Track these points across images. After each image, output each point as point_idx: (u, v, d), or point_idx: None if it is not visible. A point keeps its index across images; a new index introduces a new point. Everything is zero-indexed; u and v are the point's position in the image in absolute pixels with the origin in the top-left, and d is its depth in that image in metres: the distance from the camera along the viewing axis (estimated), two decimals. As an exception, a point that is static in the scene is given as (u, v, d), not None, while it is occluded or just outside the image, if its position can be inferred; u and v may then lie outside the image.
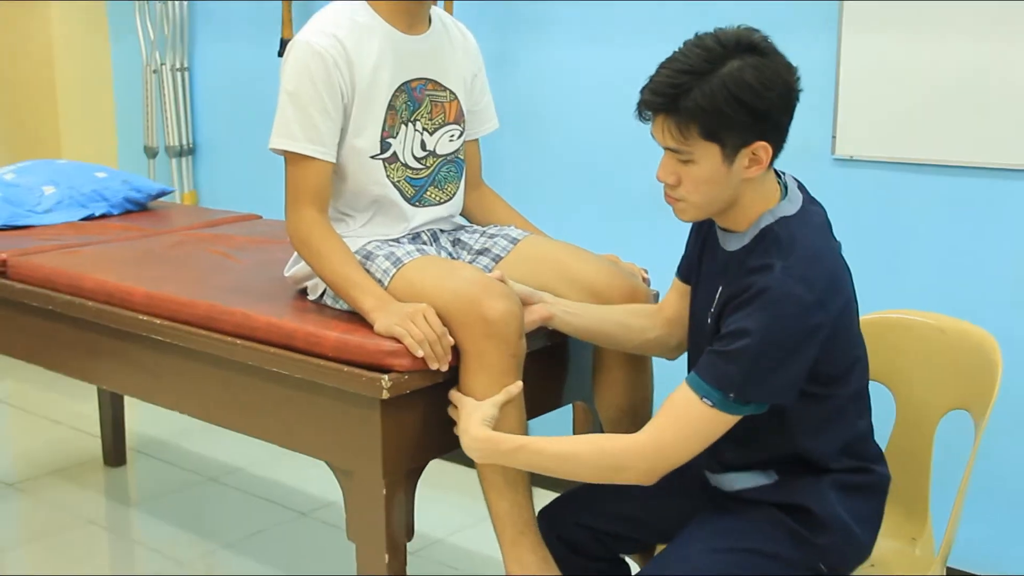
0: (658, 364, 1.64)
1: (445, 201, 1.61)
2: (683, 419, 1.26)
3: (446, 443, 1.45)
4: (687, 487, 1.40)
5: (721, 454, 1.32)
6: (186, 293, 1.63)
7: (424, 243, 1.60)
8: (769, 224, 1.28)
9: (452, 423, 1.43)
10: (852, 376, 1.31)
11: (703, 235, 1.40)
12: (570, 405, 1.73)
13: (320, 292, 1.59)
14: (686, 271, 1.48)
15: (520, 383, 1.39)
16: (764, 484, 1.34)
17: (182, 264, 1.83)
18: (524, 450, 1.33)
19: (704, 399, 1.26)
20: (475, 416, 1.36)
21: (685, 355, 1.50)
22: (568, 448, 1.31)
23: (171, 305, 1.62)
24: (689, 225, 1.41)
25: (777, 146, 1.26)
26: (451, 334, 1.40)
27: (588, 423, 1.73)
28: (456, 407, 1.40)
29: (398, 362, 1.42)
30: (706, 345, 1.30)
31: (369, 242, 1.55)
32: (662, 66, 1.24)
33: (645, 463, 1.25)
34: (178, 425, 2.73)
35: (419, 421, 1.43)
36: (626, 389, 1.59)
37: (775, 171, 1.31)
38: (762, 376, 1.22)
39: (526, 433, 1.41)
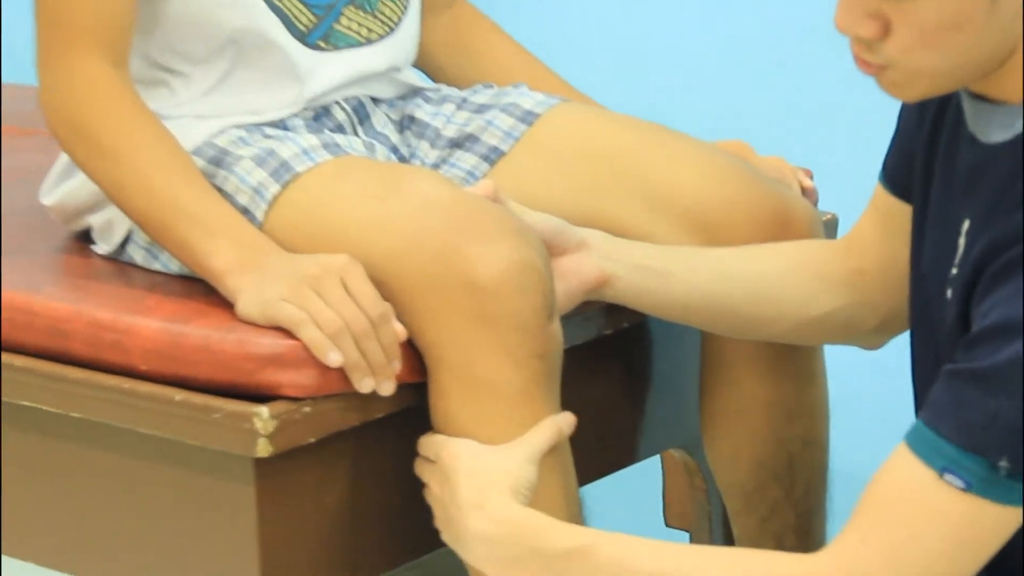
0: (842, 368, 1.52)
1: (380, 38, 1.44)
2: (910, 518, 1.10)
3: (408, 544, 1.32)
4: None
5: None
6: None
7: (339, 128, 1.43)
8: None
9: (420, 504, 1.27)
10: None
11: (933, 114, 1.25)
12: (654, 458, 1.62)
13: (120, 237, 1.40)
14: (901, 171, 1.31)
15: (570, 415, 1.26)
16: None
17: None
18: (587, 557, 1.18)
19: (946, 476, 1.10)
20: (489, 480, 1.23)
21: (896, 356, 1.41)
22: (679, 566, 1.17)
23: None
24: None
25: None
26: (401, 317, 1.23)
27: (692, 497, 1.62)
28: (433, 463, 1.26)
29: (288, 379, 1.22)
30: (945, 345, 1.18)
31: (223, 129, 1.37)
32: None
33: None
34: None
35: (343, 501, 1.28)
36: (773, 424, 1.44)
37: None
38: None
39: (582, 519, 1.30)
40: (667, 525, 1.68)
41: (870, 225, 1.35)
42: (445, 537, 1.25)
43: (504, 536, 1.23)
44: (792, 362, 1.45)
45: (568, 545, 1.20)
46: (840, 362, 1.52)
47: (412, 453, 1.28)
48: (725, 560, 1.19)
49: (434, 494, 1.25)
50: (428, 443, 1.27)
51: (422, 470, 1.27)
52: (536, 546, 1.22)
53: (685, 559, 1.19)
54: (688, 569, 1.17)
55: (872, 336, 1.39)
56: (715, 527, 1.60)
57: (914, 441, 1.12)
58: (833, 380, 1.50)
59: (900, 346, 1.37)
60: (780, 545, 1.42)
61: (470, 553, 1.24)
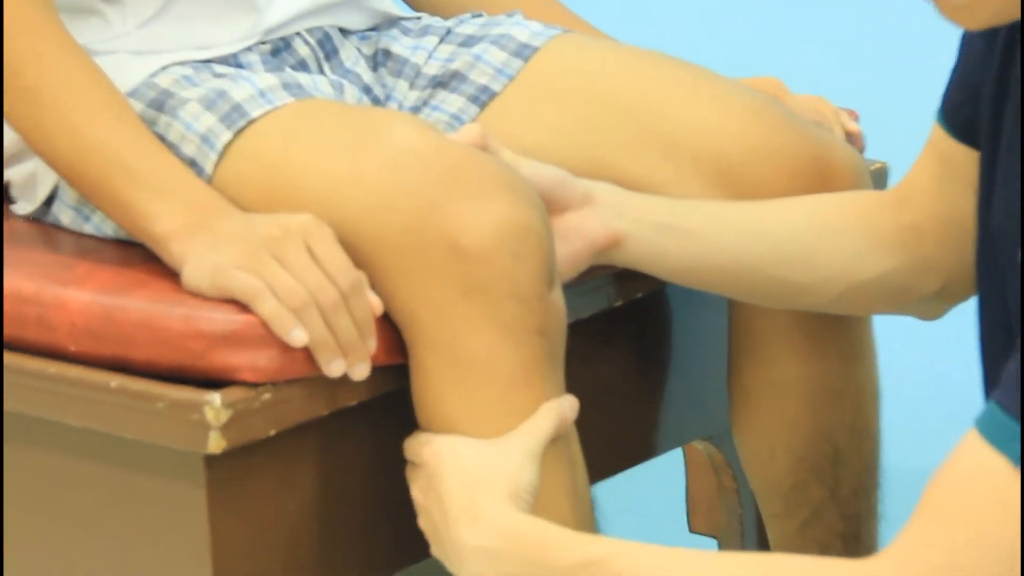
0: (894, 343, 1.51)
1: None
2: (981, 515, 1.04)
3: (387, 555, 1.30)
4: None
5: None
6: None
7: (301, 65, 1.39)
8: None
9: (400, 508, 1.24)
10: None
11: (1003, 43, 1.21)
12: (675, 453, 1.61)
13: (44, 195, 1.35)
14: (964, 110, 1.27)
15: (573, 398, 1.23)
16: None
17: None
18: (601, 572, 1.13)
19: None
20: (482, 484, 1.19)
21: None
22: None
23: None
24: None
25: None
26: (376, 287, 1.19)
27: (720, 498, 1.60)
28: (419, 462, 1.23)
29: (243, 361, 1.18)
30: (1018, 314, 1.14)
31: (165, 67, 1.32)
32: None
33: None
34: None
35: (310, 505, 1.24)
36: (814, 411, 1.40)
37: None
38: None
39: (594, 524, 1.27)
40: (691, 531, 1.66)
41: (927, 173, 1.31)
42: (435, 551, 1.21)
43: (503, 550, 1.19)
44: (836, 337, 1.41)
45: (578, 559, 1.15)
46: (892, 336, 1.51)
47: (390, 447, 1.26)
48: (764, 569, 1.13)
49: (420, 503, 1.22)
50: (409, 443, 1.24)
51: (408, 474, 1.24)
52: (541, 561, 1.17)
53: (716, 569, 1.14)
54: (721, 567, 1.13)
55: (930, 304, 1.36)
56: (747, 533, 1.58)
57: (985, 426, 1.08)
58: (884, 358, 1.46)
59: (964, 316, 1.37)
60: (824, 555, 1.38)
61: (464, 570, 1.20)
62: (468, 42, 1.43)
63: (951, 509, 1.08)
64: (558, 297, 1.21)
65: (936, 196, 1.32)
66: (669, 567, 1.13)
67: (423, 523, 1.22)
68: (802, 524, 1.41)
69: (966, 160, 1.26)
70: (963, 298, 1.33)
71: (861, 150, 1.49)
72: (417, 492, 1.22)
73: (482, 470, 1.21)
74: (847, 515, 1.39)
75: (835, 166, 1.38)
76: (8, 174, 1.41)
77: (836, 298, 1.34)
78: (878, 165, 1.51)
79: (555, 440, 1.21)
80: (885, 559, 1.09)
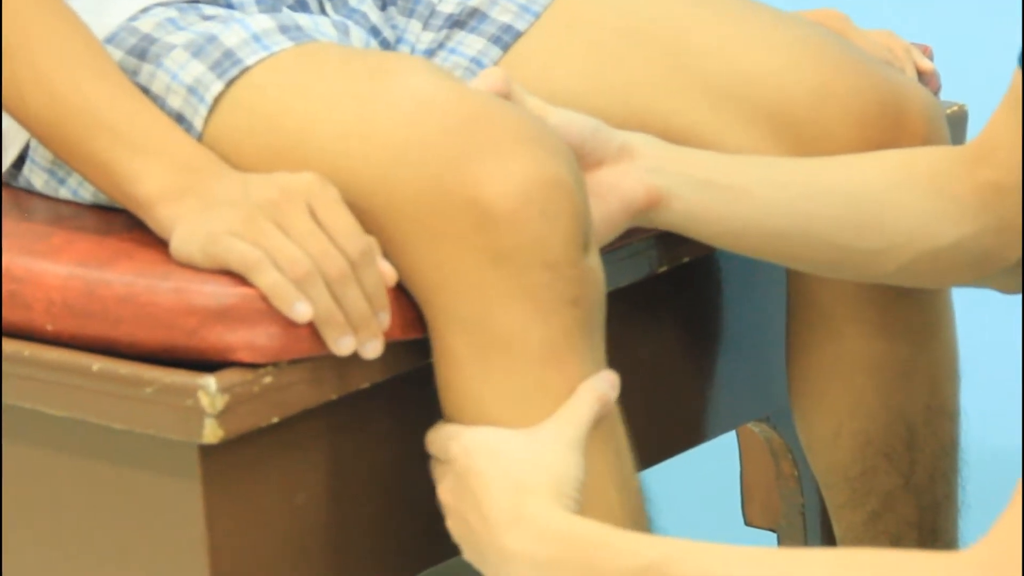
0: (974, 317, 1.52)
1: None
2: None
3: (406, 555, 1.26)
4: None
5: None
6: None
7: (301, 5, 1.35)
8: None
9: (421, 503, 1.21)
10: None
11: None
12: (729, 436, 1.59)
13: (14, 155, 1.31)
14: None
15: (613, 374, 1.17)
16: None
17: None
18: (664, 571, 1.10)
19: None
20: (523, 481, 1.13)
21: None
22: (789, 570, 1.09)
23: None
24: None
25: None
26: (388, 254, 1.14)
27: (779, 487, 1.58)
28: (448, 459, 1.17)
29: (241, 340, 1.13)
30: None
31: (147, 8, 1.26)
32: None
33: None
34: None
35: (318, 500, 1.19)
36: (885, 389, 1.36)
37: None
38: None
39: (645, 519, 1.22)
40: (747, 524, 1.61)
41: (1007, 125, 1.26)
42: (470, 557, 1.17)
43: (552, 557, 1.14)
44: (909, 308, 1.37)
45: (636, 563, 1.10)
46: (970, 309, 1.49)
47: (409, 434, 1.22)
48: (841, 566, 1.07)
49: (449, 505, 1.16)
50: (434, 437, 1.19)
51: (434, 471, 1.20)
52: (594, 566, 1.12)
53: (785, 569, 1.07)
54: (795, 562, 1.07)
55: (1012, 275, 1.31)
56: (810, 526, 1.55)
57: None
58: (963, 333, 1.44)
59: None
60: (897, 548, 1.33)
61: None
62: None
63: None
64: (594, 262, 1.16)
65: (1019, 151, 1.27)
66: (732, 570, 1.08)
67: (454, 527, 1.17)
68: (872, 515, 1.37)
69: None
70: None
71: (936, 91, 1.45)
72: (446, 493, 1.17)
73: (522, 468, 1.17)
74: (923, 504, 1.36)
75: (907, 110, 1.33)
76: (-24, 135, 1.39)
77: (907, 266, 1.29)
78: (955, 108, 1.47)
79: (597, 425, 1.16)
80: (973, 557, 1.02)
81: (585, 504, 1.15)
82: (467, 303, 1.14)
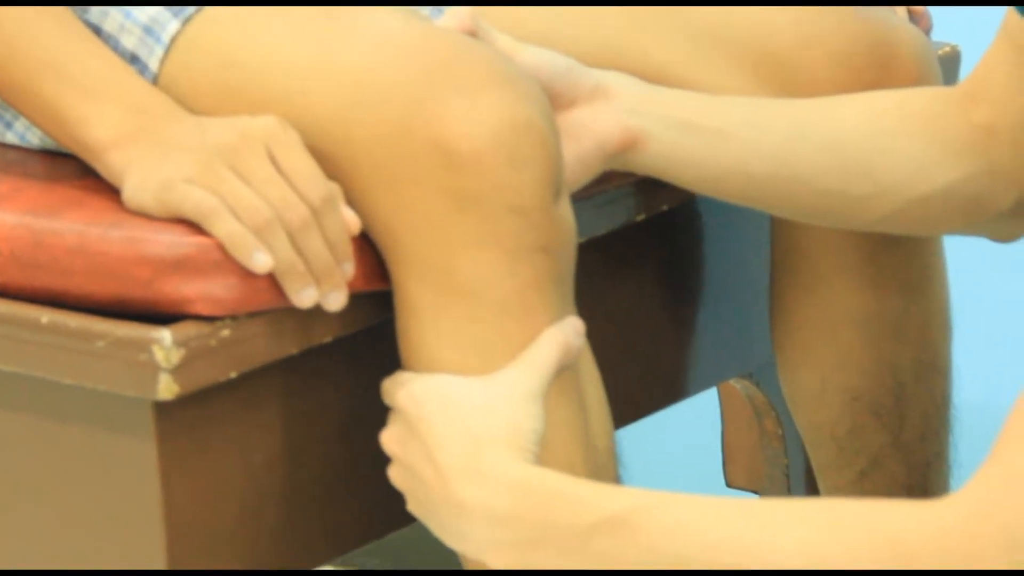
0: (965, 267, 1.54)
1: None
2: None
3: (368, 520, 1.23)
4: None
5: None
6: None
7: None
8: None
9: (379, 462, 1.15)
10: None
11: None
12: (710, 393, 1.60)
13: None
14: None
15: (577, 321, 1.16)
16: None
17: None
18: (629, 528, 1.04)
19: None
20: (479, 431, 1.11)
21: None
22: (762, 528, 1.03)
23: None
24: None
25: None
26: (352, 201, 1.12)
27: (762, 446, 1.57)
28: (395, 407, 1.15)
29: (197, 292, 1.12)
30: None
31: None
32: None
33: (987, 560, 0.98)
34: None
35: (277, 459, 1.18)
36: (873, 343, 1.34)
37: None
38: None
39: (615, 473, 1.22)
40: (728, 485, 1.61)
41: (1001, 65, 1.24)
42: (418, 512, 1.14)
43: (512, 510, 1.10)
44: (898, 259, 1.35)
45: (602, 514, 1.06)
46: (962, 259, 1.49)
47: (372, 391, 1.17)
48: (820, 516, 1.03)
49: (396, 455, 1.13)
50: (386, 385, 1.16)
51: (393, 426, 1.16)
52: (558, 519, 1.08)
53: (764, 520, 1.03)
54: (773, 531, 1.02)
55: (1006, 223, 1.29)
56: (794, 487, 1.54)
57: None
58: (955, 284, 1.42)
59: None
60: None
61: (464, 540, 1.12)
62: None
63: None
64: (565, 209, 1.13)
65: (1013, 92, 1.25)
66: (708, 520, 1.05)
67: (398, 477, 1.14)
68: (859, 474, 1.35)
69: None
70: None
71: (927, 31, 1.42)
72: (391, 442, 1.13)
73: (477, 417, 1.13)
74: (912, 463, 1.35)
75: (897, 52, 1.31)
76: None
77: (897, 213, 1.27)
78: (947, 49, 1.46)
79: (560, 374, 1.13)
80: (958, 503, 0.99)
81: (544, 460, 1.13)
82: (431, 249, 1.12)
